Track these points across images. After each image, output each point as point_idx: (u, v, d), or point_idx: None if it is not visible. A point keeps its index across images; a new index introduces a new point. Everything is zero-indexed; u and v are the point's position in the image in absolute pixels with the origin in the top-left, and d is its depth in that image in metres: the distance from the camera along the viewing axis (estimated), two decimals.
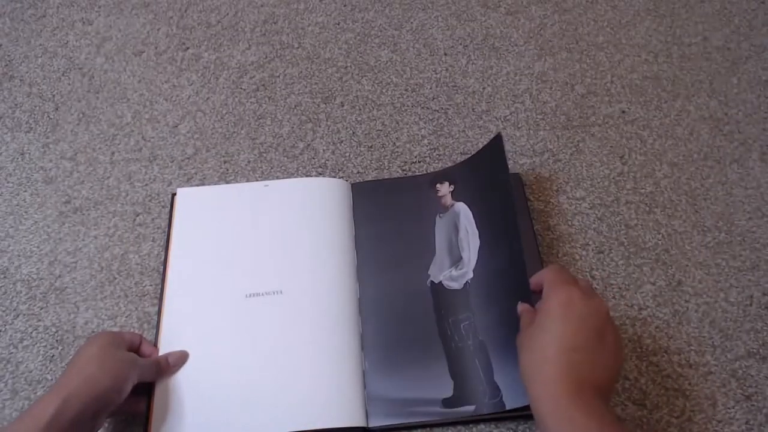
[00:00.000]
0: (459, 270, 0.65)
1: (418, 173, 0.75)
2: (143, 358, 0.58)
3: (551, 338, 0.49)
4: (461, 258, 0.66)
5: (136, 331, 0.65)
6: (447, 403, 0.58)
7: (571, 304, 0.50)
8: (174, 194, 0.73)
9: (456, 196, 0.70)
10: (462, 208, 0.69)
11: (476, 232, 0.66)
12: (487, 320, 0.61)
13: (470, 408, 0.57)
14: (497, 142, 0.68)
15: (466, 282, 0.64)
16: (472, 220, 0.67)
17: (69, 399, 0.49)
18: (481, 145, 0.75)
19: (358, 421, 0.58)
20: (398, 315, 0.64)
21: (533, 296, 0.56)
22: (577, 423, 0.44)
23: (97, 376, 0.52)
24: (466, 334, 0.61)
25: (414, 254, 0.68)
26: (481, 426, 0.59)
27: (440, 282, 0.65)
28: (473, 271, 0.64)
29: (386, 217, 0.71)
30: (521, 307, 0.56)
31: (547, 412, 0.46)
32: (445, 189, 0.71)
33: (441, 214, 0.69)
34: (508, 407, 0.56)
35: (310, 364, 0.61)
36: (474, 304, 0.63)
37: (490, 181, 0.68)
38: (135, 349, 0.60)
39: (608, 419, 0.45)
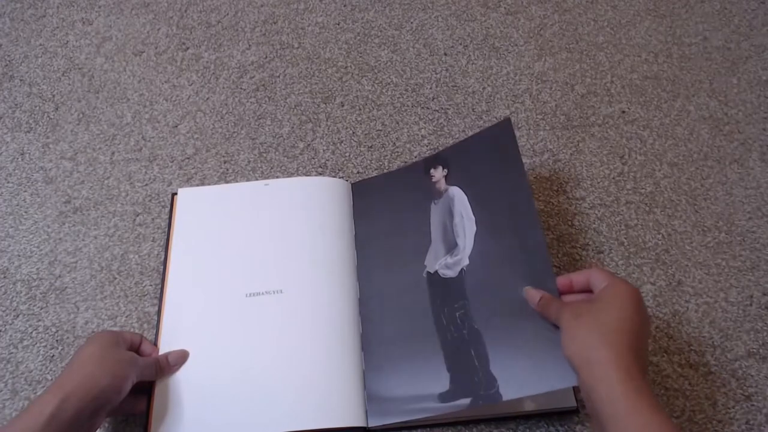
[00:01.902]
0: (454, 257, 0.64)
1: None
2: (143, 357, 0.58)
3: (626, 315, 0.49)
4: (456, 245, 0.64)
5: (136, 331, 0.65)
6: (443, 397, 0.58)
7: (640, 299, 0.51)
8: (174, 194, 0.73)
9: (450, 180, 0.69)
10: (456, 192, 0.67)
11: (472, 217, 0.65)
12: (483, 308, 0.60)
13: (466, 401, 0.57)
14: (506, 125, 0.66)
15: (462, 269, 0.63)
16: (467, 204, 0.65)
17: (67, 398, 0.49)
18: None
19: (358, 421, 0.58)
20: (396, 312, 0.64)
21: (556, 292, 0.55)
22: (644, 394, 0.45)
23: (96, 375, 0.52)
24: (462, 323, 0.60)
25: (412, 248, 0.67)
26: (482, 426, 0.59)
27: (436, 272, 0.64)
28: (469, 257, 0.63)
29: (385, 214, 0.70)
30: (537, 293, 0.55)
31: (615, 376, 0.45)
32: (438, 174, 0.69)
33: (435, 201, 0.68)
34: (504, 398, 0.55)
35: (310, 364, 0.61)
36: (470, 292, 0.61)
37: (496, 164, 0.66)
38: (135, 348, 0.60)
39: (661, 406, 0.46)
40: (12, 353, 0.64)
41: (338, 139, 0.79)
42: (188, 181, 0.76)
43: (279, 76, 0.85)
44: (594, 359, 0.47)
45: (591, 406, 0.47)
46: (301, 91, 0.84)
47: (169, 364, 0.60)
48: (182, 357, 0.61)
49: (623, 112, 0.80)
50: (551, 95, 0.82)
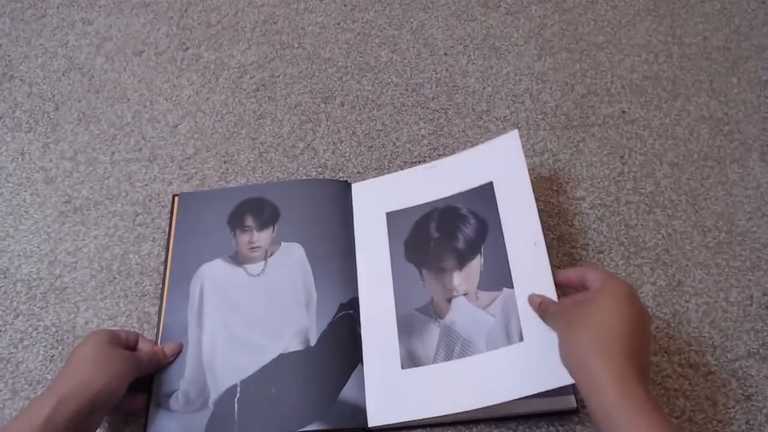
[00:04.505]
0: None
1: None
2: (138, 353, 0.58)
3: (620, 318, 0.48)
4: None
5: (136, 331, 0.65)
6: None
7: (634, 297, 0.50)
8: (175, 195, 0.73)
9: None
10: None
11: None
12: None
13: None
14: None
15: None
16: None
17: (64, 400, 0.49)
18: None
19: (358, 422, 0.58)
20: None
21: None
22: (638, 398, 0.44)
23: (93, 376, 0.52)
24: None
25: None
26: (482, 426, 0.59)
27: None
28: None
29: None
30: (537, 298, 0.57)
31: (607, 382, 0.45)
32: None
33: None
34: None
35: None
36: None
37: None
38: (132, 346, 0.59)
39: (657, 407, 0.45)
40: (12, 353, 0.64)
41: (338, 139, 0.79)
42: (188, 182, 0.76)
43: (279, 76, 0.85)
44: (587, 367, 0.47)
45: (589, 412, 0.47)
46: (301, 91, 0.84)
47: (166, 356, 0.60)
48: (178, 348, 0.61)
49: (623, 112, 0.80)
50: (551, 95, 0.82)
